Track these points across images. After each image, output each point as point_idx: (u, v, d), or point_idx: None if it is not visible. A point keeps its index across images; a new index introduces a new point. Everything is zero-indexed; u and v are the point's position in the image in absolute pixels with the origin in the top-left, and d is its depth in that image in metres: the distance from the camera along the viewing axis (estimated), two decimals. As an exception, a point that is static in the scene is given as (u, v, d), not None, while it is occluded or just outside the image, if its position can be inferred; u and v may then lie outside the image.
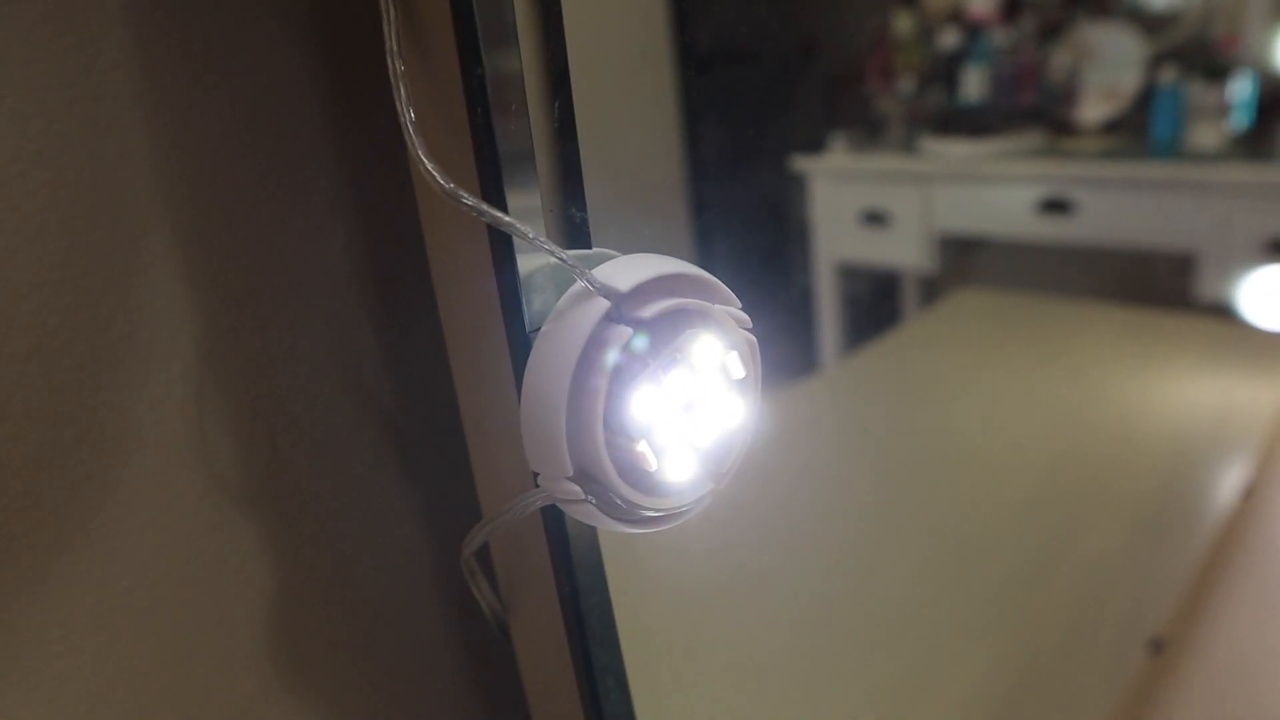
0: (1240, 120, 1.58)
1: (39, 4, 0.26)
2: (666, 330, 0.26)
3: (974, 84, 1.79)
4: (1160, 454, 1.22)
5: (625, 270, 0.26)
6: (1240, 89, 1.57)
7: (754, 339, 0.28)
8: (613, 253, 0.28)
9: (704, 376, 0.27)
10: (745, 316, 0.28)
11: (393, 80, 0.24)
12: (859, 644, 0.77)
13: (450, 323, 0.29)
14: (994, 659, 0.80)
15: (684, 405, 0.26)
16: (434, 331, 0.30)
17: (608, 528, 0.26)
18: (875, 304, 1.99)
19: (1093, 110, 1.78)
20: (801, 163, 1.95)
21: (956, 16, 1.82)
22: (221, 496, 0.32)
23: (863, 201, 1.88)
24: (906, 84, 1.87)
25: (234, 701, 0.33)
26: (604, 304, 0.25)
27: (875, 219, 1.85)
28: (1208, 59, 1.62)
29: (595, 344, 0.25)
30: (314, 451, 0.34)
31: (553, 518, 0.28)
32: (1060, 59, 1.79)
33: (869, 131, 1.95)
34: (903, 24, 1.87)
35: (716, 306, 0.27)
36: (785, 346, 2.06)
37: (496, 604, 0.32)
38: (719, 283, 0.28)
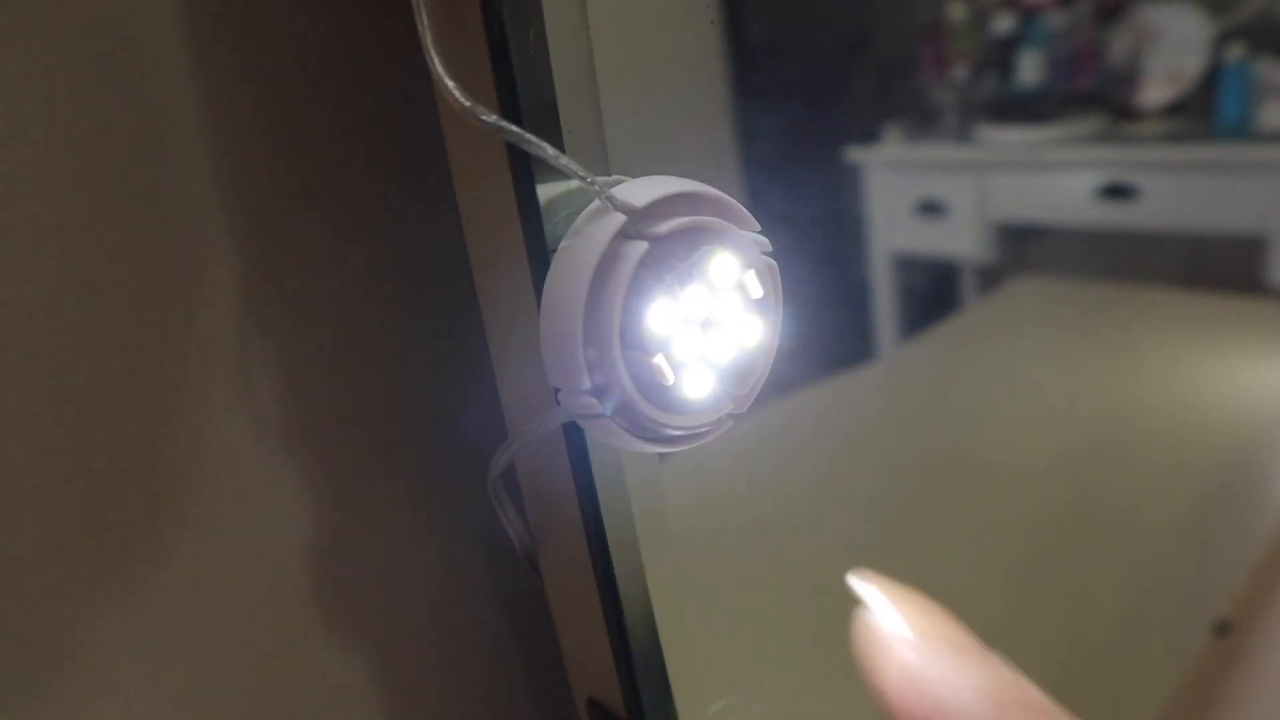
0: (1312, 97, 1.53)
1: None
2: (683, 246, 0.26)
3: (1029, 69, 1.76)
4: (1228, 436, 1.18)
5: (643, 188, 0.26)
6: (1311, 65, 1.52)
7: (774, 262, 0.29)
8: (627, 178, 0.28)
9: (722, 294, 0.27)
10: (765, 240, 0.28)
11: (414, 5, 0.25)
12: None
13: (474, 245, 0.29)
14: (1050, 639, 0.79)
15: (701, 322, 0.27)
16: (462, 258, 0.31)
17: (626, 445, 0.27)
18: (933, 295, 1.97)
19: (1155, 93, 1.73)
20: (855, 154, 1.93)
21: (1010, 1, 1.79)
22: (264, 435, 0.33)
23: (918, 192, 1.86)
24: (960, 71, 1.85)
25: (282, 638, 0.34)
26: (620, 219, 0.25)
27: (931, 209, 1.83)
28: (1278, 35, 1.57)
29: (610, 258, 0.25)
30: (348, 388, 0.35)
31: (575, 443, 0.29)
32: (1120, 41, 1.75)
33: (923, 121, 1.93)
34: (955, 11, 1.85)
35: (734, 227, 0.27)
36: (841, 338, 2.05)
37: (525, 534, 0.33)
38: (739, 205, 0.28)
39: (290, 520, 0.34)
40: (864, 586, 0.25)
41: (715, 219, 0.27)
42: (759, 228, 0.28)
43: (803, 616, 0.68)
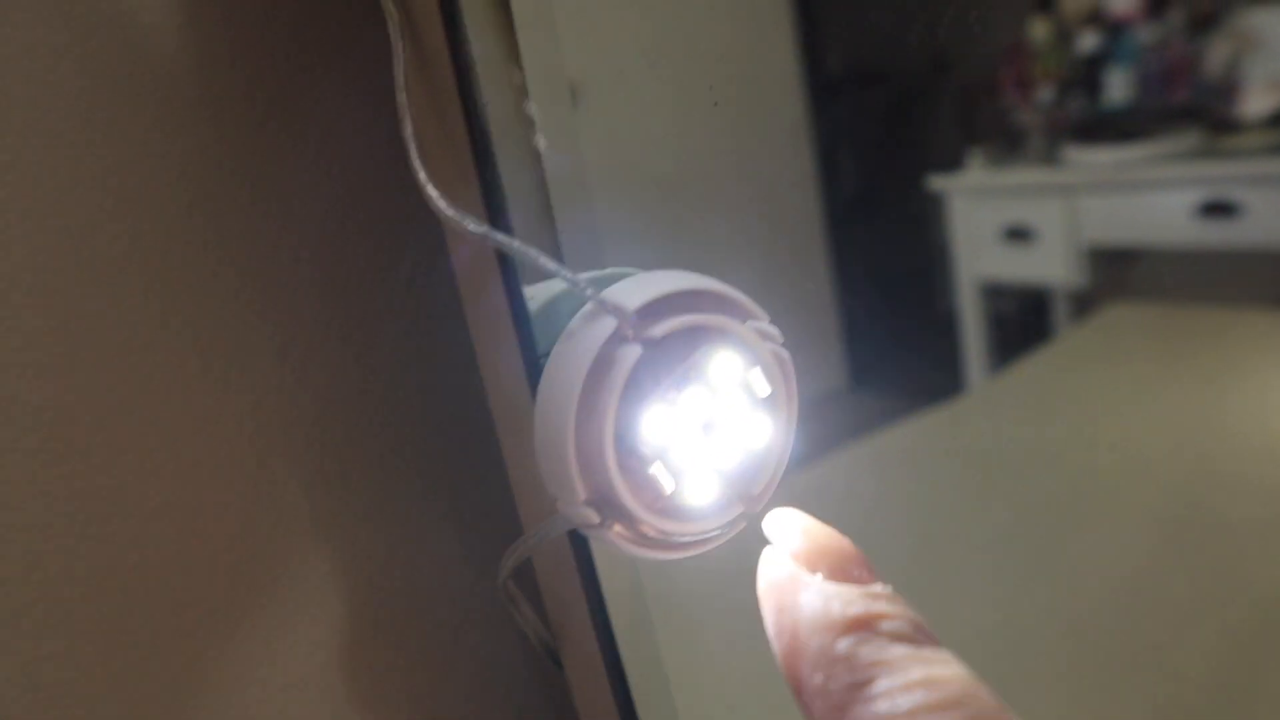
0: None
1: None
2: (680, 348, 0.25)
3: (1118, 86, 1.70)
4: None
5: (637, 288, 0.25)
6: None
7: (785, 354, 0.27)
8: (632, 270, 0.27)
9: (724, 395, 0.26)
10: (774, 330, 0.27)
11: (399, 110, 0.25)
12: (1024, 675, 0.73)
13: (479, 348, 0.29)
14: (1163, 673, 0.74)
15: (703, 425, 0.26)
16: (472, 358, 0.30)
17: (629, 553, 0.26)
18: (1024, 323, 1.90)
19: (1257, 103, 1.65)
20: (938, 182, 1.89)
21: (1096, 17, 1.73)
22: (286, 524, 0.33)
23: (1004, 217, 1.80)
24: (1045, 92, 1.79)
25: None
26: (611, 323, 0.24)
27: (1018, 235, 1.77)
28: (1388, 38, 1.48)
29: (602, 363, 0.24)
30: (373, 486, 0.34)
31: (580, 543, 0.28)
32: (1217, 51, 1.68)
33: (1007, 145, 1.87)
34: (1038, 30, 1.79)
35: (736, 322, 0.26)
36: (930, 369, 1.99)
37: (544, 631, 0.32)
38: (743, 297, 0.27)
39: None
40: (773, 521, 0.24)
41: (715, 316, 0.26)
42: (766, 317, 0.27)
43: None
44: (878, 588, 0.21)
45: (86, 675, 0.29)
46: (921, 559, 0.95)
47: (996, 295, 1.86)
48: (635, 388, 0.25)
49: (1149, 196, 1.61)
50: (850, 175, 2.15)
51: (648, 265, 0.28)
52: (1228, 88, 1.66)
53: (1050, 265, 1.74)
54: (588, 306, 0.25)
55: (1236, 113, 1.64)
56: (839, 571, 0.22)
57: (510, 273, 0.25)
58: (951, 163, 1.90)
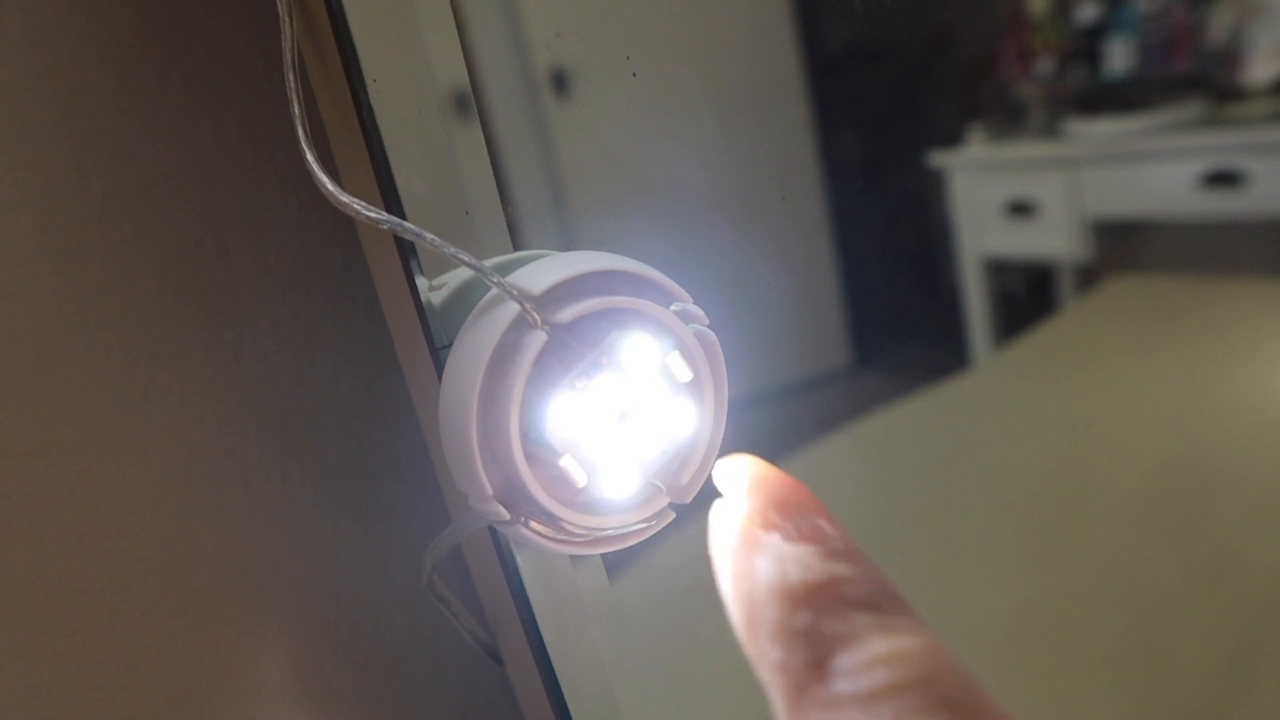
0: None
1: None
2: (591, 333, 0.24)
3: (1119, 56, 1.67)
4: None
5: (544, 271, 0.24)
6: None
7: (711, 336, 0.26)
8: (546, 252, 0.26)
9: (641, 382, 0.25)
10: (698, 311, 0.26)
11: (288, 90, 0.24)
12: (1028, 650, 0.72)
13: (396, 340, 0.28)
14: (1172, 652, 0.73)
15: (619, 414, 0.24)
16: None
17: (546, 550, 0.24)
18: (1028, 298, 1.88)
19: (1262, 70, 1.61)
20: (939, 158, 1.86)
21: (1094, -14, 1.70)
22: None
23: (1006, 192, 1.78)
24: (1045, 65, 1.76)
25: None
26: (514, 308, 0.23)
27: (1020, 209, 1.75)
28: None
29: (505, 351, 0.23)
30: (315, 483, 0.33)
31: (503, 538, 0.27)
32: (1220, 18, 1.64)
33: (1008, 119, 1.84)
34: (1037, 2, 1.76)
35: (654, 304, 0.25)
36: (934, 347, 1.97)
37: (478, 629, 0.31)
38: (664, 278, 0.26)
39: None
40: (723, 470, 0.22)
41: (627, 299, 0.24)
42: (688, 299, 0.26)
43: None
44: (839, 543, 0.20)
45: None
46: (927, 536, 0.94)
47: (1000, 270, 1.84)
48: (542, 376, 0.23)
49: (1152, 167, 1.58)
50: (850, 153, 2.12)
51: (636, 252, 0.27)
52: (1231, 55, 1.62)
53: (1053, 239, 1.72)
54: (491, 292, 0.24)
55: (1241, 80, 1.61)
56: (795, 527, 0.20)
57: (407, 259, 0.24)
58: (952, 138, 1.87)
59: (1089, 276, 1.74)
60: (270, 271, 0.31)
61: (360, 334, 0.34)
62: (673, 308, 0.26)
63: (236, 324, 0.31)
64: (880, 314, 2.23)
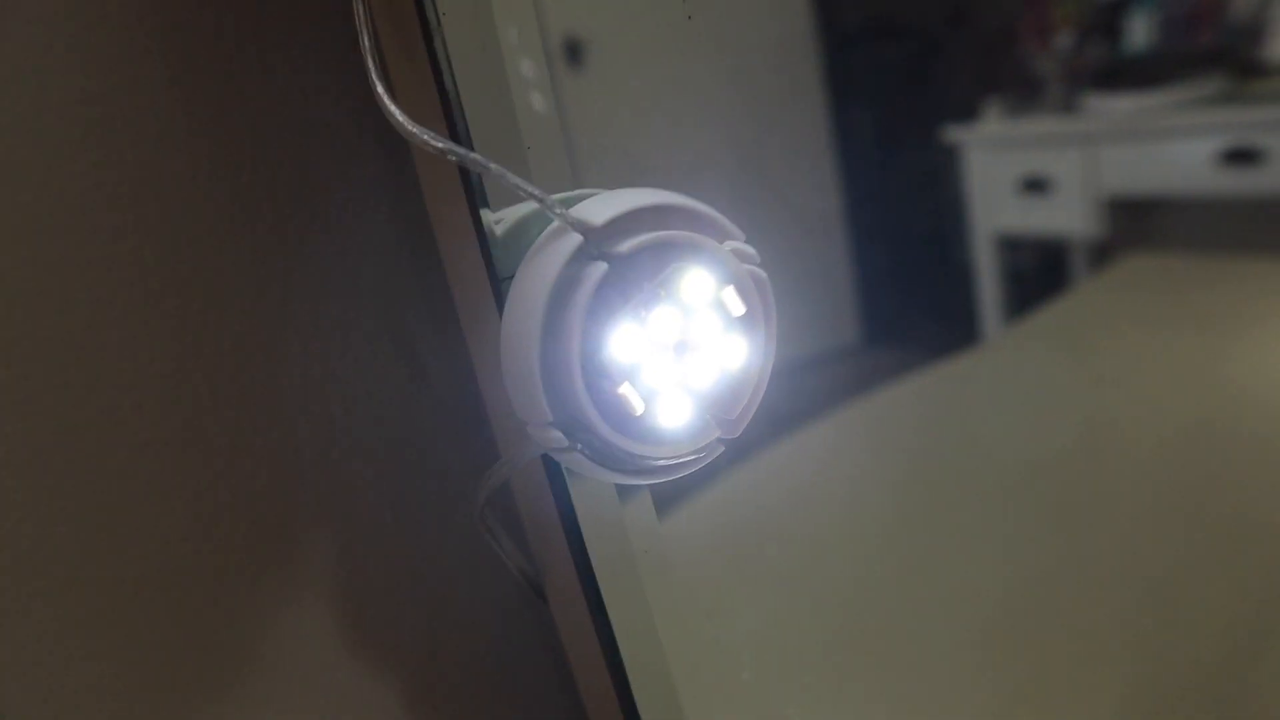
0: None
1: None
2: (649, 265, 0.25)
3: (1140, 30, 1.65)
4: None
5: (603, 205, 0.24)
6: None
7: (762, 274, 0.26)
8: (598, 191, 0.26)
9: (697, 315, 0.25)
10: (750, 250, 0.26)
11: (356, 20, 0.24)
12: (1039, 623, 0.73)
13: (450, 271, 0.28)
14: (1190, 627, 0.74)
15: (675, 346, 0.25)
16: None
17: (601, 478, 0.25)
18: (1041, 275, 1.88)
19: (1283, 46, 1.60)
20: (954, 133, 1.86)
21: (1117, -41, 1.68)
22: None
23: (1021, 168, 1.77)
24: (1064, 39, 1.75)
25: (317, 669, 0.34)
26: (576, 239, 0.24)
27: (1035, 186, 1.74)
28: None
29: (567, 281, 0.23)
30: (372, 428, 0.34)
31: (555, 470, 0.27)
32: (1245, -8, 1.63)
33: (1025, 94, 1.83)
34: (1058, -25, 1.75)
35: (710, 239, 0.25)
36: (945, 324, 1.97)
37: (525, 564, 0.31)
38: (717, 215, 0.26)
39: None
40: None
41: (685, 233, 0.25)
42: (742, 237, 0.26)
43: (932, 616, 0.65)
44: None
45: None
46: (937, 510, 0.95)
47: (1013, 247, 1.83)
48: (603, 306, 0.24)
49: (1170, 144, 1.57)
50: (865, 129, 2.11)
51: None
52: (1256, 29, 1.61)
53: (1068, 216, 1.71)
54: (554, 224, 0.24)
55: (1264, 55, 1.60)
56: None
57: (472, 191, 0.24)
58: (968, 114, 1.86)
59: (1103, 254, 1.74)
60: (319, 213, 0.32)
61: (411, 269, 0.34)
62: (726, 245, 0.26)
63: (284, 268, 0.31)
64: (891, 291, 2.23)
